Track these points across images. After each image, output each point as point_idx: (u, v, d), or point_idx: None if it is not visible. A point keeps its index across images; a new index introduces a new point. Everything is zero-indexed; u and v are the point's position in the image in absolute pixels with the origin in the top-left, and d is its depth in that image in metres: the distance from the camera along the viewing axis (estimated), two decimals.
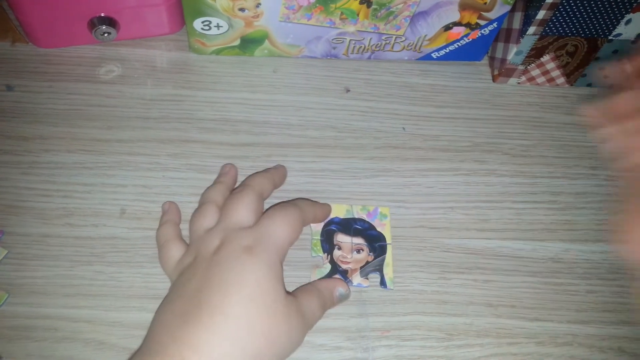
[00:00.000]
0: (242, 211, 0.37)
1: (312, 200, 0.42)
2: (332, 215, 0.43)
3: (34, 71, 0.47)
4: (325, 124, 0.47)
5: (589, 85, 0.49)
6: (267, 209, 0.38)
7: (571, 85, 0.49)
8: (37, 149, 0.44)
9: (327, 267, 0.41)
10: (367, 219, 0.43)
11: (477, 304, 0.40)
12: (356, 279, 0.40)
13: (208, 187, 0.41)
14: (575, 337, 0.39)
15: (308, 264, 0.41)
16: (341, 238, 0.42)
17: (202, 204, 0.39)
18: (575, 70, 0.47)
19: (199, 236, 0.37)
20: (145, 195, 0.43)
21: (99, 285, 0.40)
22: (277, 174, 0.43)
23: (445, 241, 0.42)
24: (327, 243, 0.42)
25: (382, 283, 0.40)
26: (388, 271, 0.41)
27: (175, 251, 0.38)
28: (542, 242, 0.43)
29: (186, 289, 0.33)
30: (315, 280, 0.39)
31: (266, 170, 0.43)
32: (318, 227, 0.42)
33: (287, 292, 0.35)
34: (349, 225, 0.42)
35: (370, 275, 0.41)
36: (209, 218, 0.38)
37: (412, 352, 0.38)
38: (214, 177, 0.43)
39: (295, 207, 0.38)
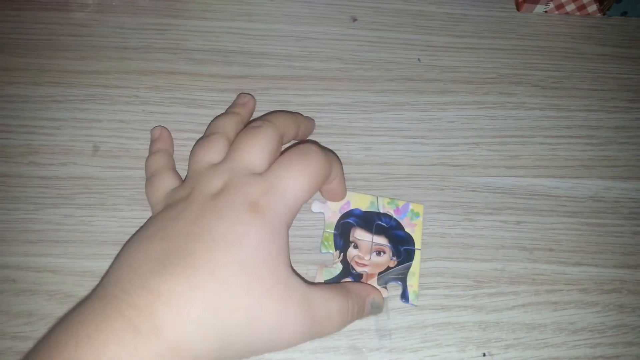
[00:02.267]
0: (256, 152, 0.30)
1: (324, 150, 0.32)
2: (352, 206, 0.35)
3: None
4: (330, 55, 0.41)
5: (624, 14, 0.44)
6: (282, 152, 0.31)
7: (603, 14, 0.44)
8: None
9: (338, 268, 0.33)
10: (394, 216, 0.35)
11: (508, 247, 0.35)
12: None
13: (218, 116, 0.35)
14: (623, 284, 0.34)
15: (315, 259, 0.34)
16: (360, 235, 0.34)
17: (209, 133, 0.32)
18: None
19: (200, 170, 0.30)
20: (122, 130, 0.37)
21: (67, 230, 0.34)
22: (305, 121, 0.36)
23: (470, 179, 0.37)
24: (342, 238, 0.34)
25: (404, 296, 0.33)
26: (413, 282, 0.33)
27: (168, 181, 0.32)
28: (580, 180, 0.37)
29: (170, 228, 0.26)
30: (347, 282, 0.32)
31: (293, 112, 0.36)
32: (333, 219, 0.35)
33: (299, 276, 0.28)
34: (371, 221, 0.35)
35: (390, 285, 0.33)
36: (215, 151, 0.31)
37: (434, 302, 0.33)
38: (203, 111, 0.38)
39: (319, 155, 0.30)
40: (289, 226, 0.28)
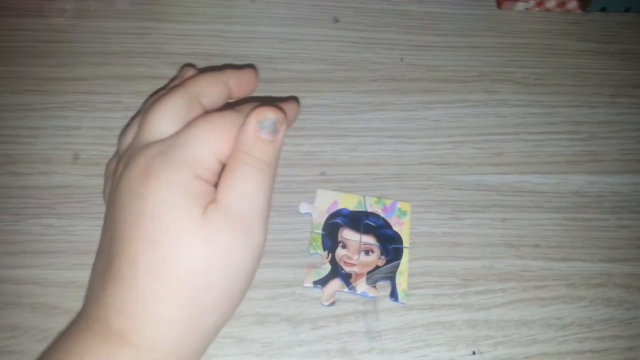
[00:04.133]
0: (156, 120, 0.26)
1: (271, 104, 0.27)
2: (339, 206, 0.35)
3: None
4: (312, 57, 0.41)
5: (603, 9, 0.44)
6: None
7: (583, 10, 0.44)
8: None
9: (327, 268, 0.33)
10: (382, 215, 0.35)
11: (495, 244, 0.35)
12: (361, 286, 0.33)
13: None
14: (610, 277, 0.34)
15: (302, 262, 0.34)
16: (348, 234, 0.34)
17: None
18: None
19: (118, 161, 0.28)
20: (103, 138, 0.37)
21: (49, 241, 0.33)
22: (235, 75, 0.30)
23: (456, 178, 0.37)
24: (330, 239, 0.34)
25: (393, 295, 0.33)
26: (402, 281, 0.33)
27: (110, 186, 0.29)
28: (564, 175, 0.38)
29: (103, 234, 0.26)
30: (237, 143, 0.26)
31: (221, 70, 0.30)
32: (320, 219, 0.35)
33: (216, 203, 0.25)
34: (359, 220, 0.35)
35: (379, 284, 0.33)
36: (130, 134, 0.28)
37: (423, 302, 0.33)
38: None
39: (232, 114, 0.26)
40: (200, 175, 0.24)
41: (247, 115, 0.26)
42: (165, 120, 0.26)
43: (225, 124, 0.26)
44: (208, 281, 0.23)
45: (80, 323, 0.24)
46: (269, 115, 0.26)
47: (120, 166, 0.26)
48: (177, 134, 0.25)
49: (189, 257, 0.23)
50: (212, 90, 0.29)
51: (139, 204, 0.24)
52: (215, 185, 0.25)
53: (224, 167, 0.26)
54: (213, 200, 0.24)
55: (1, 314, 0.31)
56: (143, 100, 0.38)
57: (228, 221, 0.24)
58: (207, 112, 0.28)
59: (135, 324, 0.23)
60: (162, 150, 0.25)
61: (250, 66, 0.34)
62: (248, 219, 0.24)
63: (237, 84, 0.30)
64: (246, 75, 0.31)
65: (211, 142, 0.25)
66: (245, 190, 0.25)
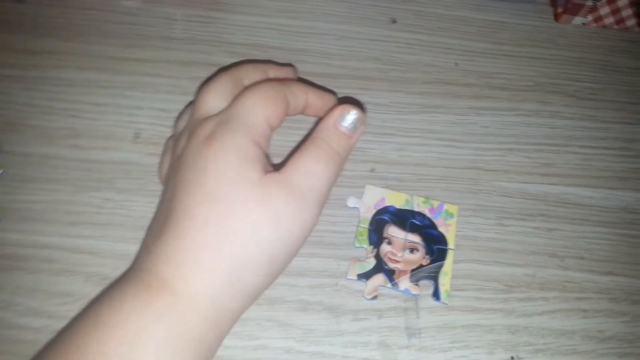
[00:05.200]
0: (209, 98, 0.29)
1: (310, 85, 0.31)
2: (387, 203, 0.36)
3: None
4: (368, 55, 0.42)
5: None
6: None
7: None
8: (44, 64, 0.39)
9: (371, 263, 0.34)
10: (428, 215, 0.36)
11: (540, 253, 0.35)
12: (404, 283, 0.33)
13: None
14: None
15: (347, 255, 0.34)
16: (393, 231, 0.35)
17: None
18: None
19: (177, 137, 0.30)
20: (163, 119, 0.38)
21: (107, 213, 0.35)
22: (275, 68, 0.33)
23: (503, 184, 0.37)
24: (376, 234, 0.35)
25: (436, 295, 0.33)
26: (445, 282, 0.34)
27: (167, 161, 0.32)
28: (613, 191, 0.38)
29: (161, 201, 0.28)
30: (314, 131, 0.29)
31: (263, 62, 0.34)
32: (367, 214, 0.35)
33: (273, 169, 0.27)
34: (405, 219, 0.35)
35: (422, 283, 0.34)
36: (185, 116, 0.32)
37: (465, 304, 0.33)
38: None
39: (278, 84, 0.29)
40: (258, 141, 0.27)
41: (333, 107, 0.29)
42: (216, 96, 0.29)
43: (273, 91, 0.28)
44: (254, 239, 0.25)
45: (127, 273, 0.26)
46: (352, 111, 0.29)
47: (182, 139, 0.29)
48: (231, 105, 0.28)
49: (242, 213, 0.25)
50: (253, 75, 0.32)
51: (202, 162, 0.26)
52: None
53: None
54: (275, 171, 0.27)
55: (57, 280, 0.33)
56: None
57: (285, 190, 0.26)
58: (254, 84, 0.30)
59: (182, 272, 0.24)
60: (221, 119, 0.27)
61: (291, 65, 0.36)
62: (305, 194, 0.26)
63: (275, 76, 0.33)
64: (285, 71, 0.34)
65: (262, 108, 0.27)
66: (311, 169, 0.27)
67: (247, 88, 0.29)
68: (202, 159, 0.26)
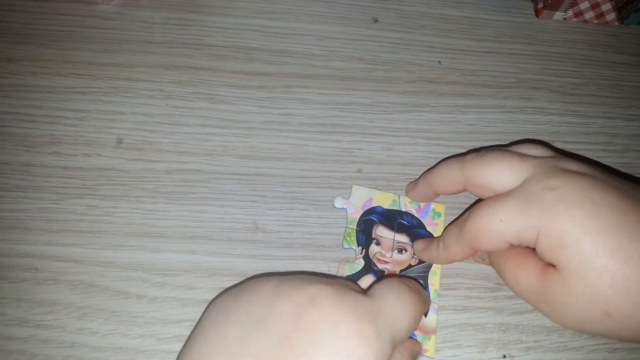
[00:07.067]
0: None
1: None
2: (374, 204, 0.35)
3: None
4: (351, 55, 0.41)
5: None
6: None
7: (621, 22, 0.45)
8: (22, 71, 0.38)
9: (360, 264, 0.34)
10: (416, 215, 0.35)
11: None
12: None
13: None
14: None
15: (336, 256, 0.34)
16: (382, 232, 0.35)
17: None
18: (629, 3, 0.43)
19: None
20: (146, 124, 0.37)
21: (91, 220, 0.34)
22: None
23: None
24: (364, 235, 0.34)
25: None
26: (434, 281, 0.33)
27: None
28: None
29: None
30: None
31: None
32: (355, 215, 0.35)
33: None
34: (393, 219, 0.35)
35: None
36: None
37: (455, 303, 0.33)
38: (226, 107, 0.38)
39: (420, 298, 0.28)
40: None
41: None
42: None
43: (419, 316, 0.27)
44: None
45: None
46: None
47: None
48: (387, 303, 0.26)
49: None
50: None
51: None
52: None
53: None
54: None
55: (42, 289, 0.32)
56: (185, 90, 0.39)
57: None
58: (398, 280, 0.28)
59: None
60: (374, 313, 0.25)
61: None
62: None
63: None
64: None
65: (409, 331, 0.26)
66: None
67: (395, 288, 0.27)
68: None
